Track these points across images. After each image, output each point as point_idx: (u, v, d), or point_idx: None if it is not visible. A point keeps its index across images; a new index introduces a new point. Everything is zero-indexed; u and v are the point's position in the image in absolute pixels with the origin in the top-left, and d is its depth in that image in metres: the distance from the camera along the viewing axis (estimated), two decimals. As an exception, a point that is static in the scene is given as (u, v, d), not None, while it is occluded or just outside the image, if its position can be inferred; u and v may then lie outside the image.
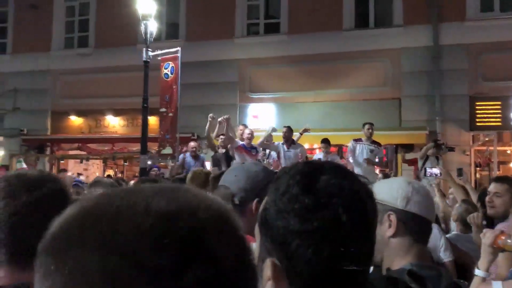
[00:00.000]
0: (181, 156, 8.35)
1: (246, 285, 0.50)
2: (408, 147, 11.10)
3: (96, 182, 3.35)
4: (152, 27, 9.79)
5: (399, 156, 11.34)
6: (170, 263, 0.45)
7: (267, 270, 0.77)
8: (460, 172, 5.14)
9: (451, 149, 7.88)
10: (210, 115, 8.30)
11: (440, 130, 11.26)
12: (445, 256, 3.33)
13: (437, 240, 3.31)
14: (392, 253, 1.49)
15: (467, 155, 11.25)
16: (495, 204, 3.40)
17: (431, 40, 11.55)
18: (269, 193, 0.85)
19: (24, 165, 7.68)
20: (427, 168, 5.44)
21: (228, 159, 8.05)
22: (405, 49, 11.67)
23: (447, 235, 3.83)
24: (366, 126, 8.31)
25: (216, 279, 0.46)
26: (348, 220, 0.78)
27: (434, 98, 11.42)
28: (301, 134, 8.68)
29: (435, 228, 3.41)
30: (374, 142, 8.34)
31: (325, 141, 8.77)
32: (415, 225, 1.50)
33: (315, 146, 10.69)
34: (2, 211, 1.08)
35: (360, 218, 0.82)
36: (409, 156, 10.66)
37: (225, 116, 8.04)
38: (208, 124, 8.31)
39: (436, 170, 4.85)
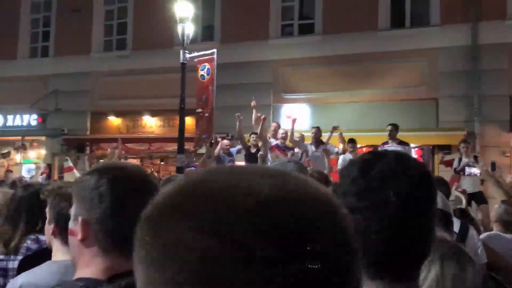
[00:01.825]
0: (222, 155, 8.51)
1: (349, 284, 0.47)
2: (446, 148, 10.93)
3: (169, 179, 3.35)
4: (189, 29, 10.00)
5: (436, 157, 11.17)
6: (270, 252, 0.42)
7: None
8: (493, 166, 5.05)
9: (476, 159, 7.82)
10: (237, 114, 8.46)
11: (478, 131, 11.03)
12: (481, 257, 3.33)
13: (475, 242, 3.31)
14: None
15: (507, 156, 10.97)
16: None
17: (469, 39, 11.32)
18: (339, 178, 1.01)
19: (71, 164, 7.97)
20: (466, 167, 5.37)
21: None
22: (442, 49, 11.47)
23: (480, 236, 3.81)
24: (388, 127, 8.39)
25: (319, 276, 0.43)
26: (396, 202, 0.89)
27: (473, 99, 11.18)
28: (331, 132, 8.72)
29: (472, 230, 3.42)
30: (401, 143, 8.34)
31: (352, 141, 8.80)
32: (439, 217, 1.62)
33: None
34: (106, 200, 1.13)
35: (409, 201, 0.91)
36: (447, 157, 10.48)
37: (260, 115, 8.19)
38: (238, 124, 8.47)
39: (475, 170, 4.79)
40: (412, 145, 9.52)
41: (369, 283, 0.93)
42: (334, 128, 8.73)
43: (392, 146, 8.22)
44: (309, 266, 0.43)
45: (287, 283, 0.42)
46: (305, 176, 0.52)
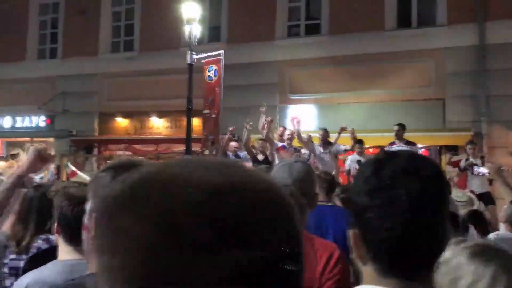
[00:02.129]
0: (230, 155, 8.53)
1: (289, 275, 0.47)
2: (453, 149, 10.88)
3: None
4: (195, 30, 10.03)
5: (443, 158, 11.13)
6: (207, 240, 0.44)
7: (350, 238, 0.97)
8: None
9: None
10: (247, 121, 8.46)
11: (486, 131, 10.97)
12: None
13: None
14: None
15: (515, 157, 10.91)
16: None
17: (476, 39, 11.26)
18: (354, 178, 1.06)
19: (73, 168, 8.04)
20: (474, 167, 5.37)
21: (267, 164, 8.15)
22: (449, 49, 11.42)
23: (489, 236, 3.81)
24: (394, 127, 8.38)
25: (257, 265, 0.45)
26: (407, 200, 0.91)
27: (480, 99, 11.13)
28: (339, 133, 8.71)
29: (472, 230, 3.44)
30: (408, 143, 8.32)
31: (359, 142, 8.79)
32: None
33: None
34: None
35: (420, 200, 0.93)
36: (455, 158, 10.44)
37: (267, 119, 8.19)
38: (246, 133, 8.46)
39: (484, 169, 4.77)
40: (419, 145, 9.50)
41: (383, 281, 0.94)
42: (342, 129, 8.73)
43: (399, 146, 8.19)
44: (248, 254, 0.44)
45: (226, 270, 0.44)
46: (255, 169, 0.54)
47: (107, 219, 0.48)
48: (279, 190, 0.51)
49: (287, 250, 0.47)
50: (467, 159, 8.43)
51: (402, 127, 8.43)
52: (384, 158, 1.00)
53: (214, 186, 0.47)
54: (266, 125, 8.21)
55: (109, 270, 0.47)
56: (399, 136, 8.34)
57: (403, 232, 0.91)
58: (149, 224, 0.45)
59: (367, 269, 0.98)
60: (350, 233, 0.98)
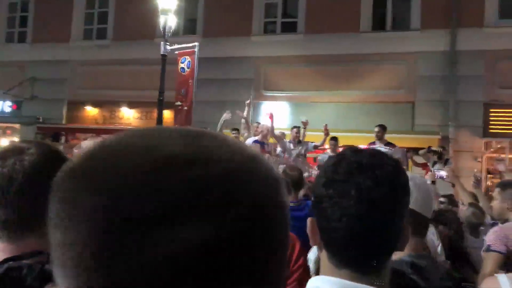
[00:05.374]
0: None
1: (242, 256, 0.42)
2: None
3: None
4: (171, 21, 9.90)
5: (410, 161, 11.32)
6: (156, 214, 0.40)
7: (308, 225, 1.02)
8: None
9: (446, 162, 8.16)
10: (228, 112, 8.44)
11: (452, 136, 11.24)
12: (440, 254, 3.46)
13: (433, 240, 3.43)
14: None
15: (479, 161, 11.21)
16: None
17: (448, 45, 11.52)
18: (320, 168, 1.08)
19: None
20: (435, 170, 5.52)
21: None
22: (421, 53, 11.65)
23: None
24: (375, 129, 8.48)
25: (214, 245, 0.41)
26: (355, 195, 0.95)
27: (448, 103, 11.40)
28: (304, 128, 8.75)
29: (430, 232, 3.53)
30: (388, 144, 8.40)
31: (334, 139, 8.85)
32: (410, 219, 1.61)
33: (326, 146, 10.71)
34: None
35: (370, 196, 0.95)
36: (420, 159, 10.65)
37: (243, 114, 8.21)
38: (222, 122, 8.46)
39: (443, 173, 4.89)
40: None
41: (336, 272, 0.98)
42: (304, 124, 8.76)
43: (379, 147, 8.28)
44: (201, 233, 0.40)
45: (175, 247, 0.40)
46: (226, 136, 0.49)
47: (56, 191, 0.44)
48: (256, 164, 0.46)
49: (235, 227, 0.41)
50: (435, 162, 8.59)
51: (382, 128, 8.50)
52: (347, 153, 1.04)
53: (166, 156, 0.42)
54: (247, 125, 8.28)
55: (61, 246, 0.43)
56: (380, 137, 8.41)
57: (350, 225, 0.95)
58: (96, 194, 0.41)
59: (323, 258, 1.01)
60: (308, 220, 1.02)
